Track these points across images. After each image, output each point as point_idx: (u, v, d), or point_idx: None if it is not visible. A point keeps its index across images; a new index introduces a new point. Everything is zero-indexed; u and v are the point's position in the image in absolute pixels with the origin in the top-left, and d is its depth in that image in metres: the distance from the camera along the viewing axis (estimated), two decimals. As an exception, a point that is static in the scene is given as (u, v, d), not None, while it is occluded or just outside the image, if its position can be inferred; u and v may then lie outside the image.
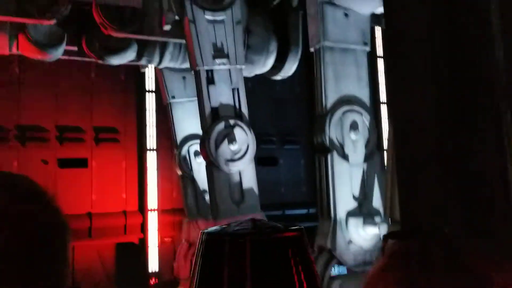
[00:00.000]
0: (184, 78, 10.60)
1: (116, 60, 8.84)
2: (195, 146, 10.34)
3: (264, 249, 1.64)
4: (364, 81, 7.12)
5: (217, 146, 7.51)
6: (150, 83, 12.57)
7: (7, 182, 0.98)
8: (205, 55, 8.00)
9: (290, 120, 14.50)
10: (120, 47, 8.53)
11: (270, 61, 9.79)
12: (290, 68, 10.01)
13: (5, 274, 0.88)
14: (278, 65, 9.95)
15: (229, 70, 8.16)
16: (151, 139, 12.60)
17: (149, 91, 12.68)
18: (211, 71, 8.04)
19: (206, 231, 1.69)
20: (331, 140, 6.71)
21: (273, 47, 9.68)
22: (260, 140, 14.01)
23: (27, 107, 11.49)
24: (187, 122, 10.63)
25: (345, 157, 6.72)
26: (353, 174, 6.79)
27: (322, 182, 6.85)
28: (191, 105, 10.29)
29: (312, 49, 7.27)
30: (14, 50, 8.04)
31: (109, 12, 7.84)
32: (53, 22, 7.40)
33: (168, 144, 11.56)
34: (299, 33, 9.64)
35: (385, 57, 7.03)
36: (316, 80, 7.05)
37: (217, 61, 8.05)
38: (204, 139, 7.63)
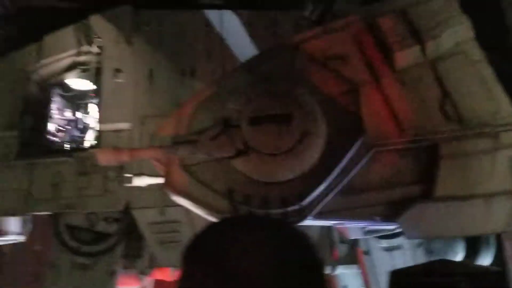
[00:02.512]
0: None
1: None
2: None
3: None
4: None
5: None
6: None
7: (295, 234, 1.11)
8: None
9: None
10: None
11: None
12: (482, 262, 8.79)
13: None
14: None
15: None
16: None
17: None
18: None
19: (396, 270, 1.68)
20: None
21: (460, 248, 8.57)
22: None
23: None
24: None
25: None
26: None
27: None
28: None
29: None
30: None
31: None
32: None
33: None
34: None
35: None
36: None
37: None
38: None
